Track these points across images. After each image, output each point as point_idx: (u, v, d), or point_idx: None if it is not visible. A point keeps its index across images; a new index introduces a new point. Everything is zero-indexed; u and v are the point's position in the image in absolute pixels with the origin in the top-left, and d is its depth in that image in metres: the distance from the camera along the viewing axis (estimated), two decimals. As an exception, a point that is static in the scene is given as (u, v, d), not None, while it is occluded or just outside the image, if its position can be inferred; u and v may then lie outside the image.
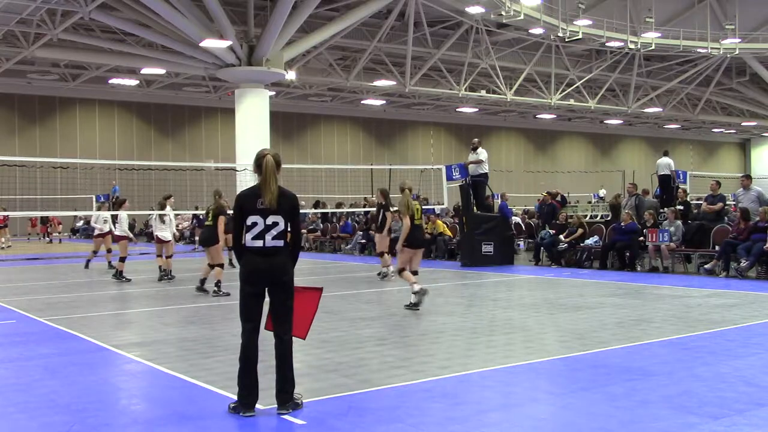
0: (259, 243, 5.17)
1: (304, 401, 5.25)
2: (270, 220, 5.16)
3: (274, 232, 5.16)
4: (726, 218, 16.15)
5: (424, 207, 24.29)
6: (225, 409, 5.20)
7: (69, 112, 38.66)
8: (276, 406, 5.15)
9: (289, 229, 5.24)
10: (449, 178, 19.36)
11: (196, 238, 24.42)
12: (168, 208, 15.22)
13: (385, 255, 14.64)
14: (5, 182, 26.47)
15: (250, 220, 5.19)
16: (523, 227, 23.48)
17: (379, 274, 14.87)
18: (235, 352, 7.12)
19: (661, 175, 19.80)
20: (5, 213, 27.45)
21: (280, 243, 5.19)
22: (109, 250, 17.53)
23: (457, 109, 46.17)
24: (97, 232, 17.70)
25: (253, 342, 5.18)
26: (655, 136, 58.00)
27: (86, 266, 17.55)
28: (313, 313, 5.45)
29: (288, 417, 5.01)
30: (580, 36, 34.39)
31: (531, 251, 19.68)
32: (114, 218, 16.86)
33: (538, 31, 33.49)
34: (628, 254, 15.60)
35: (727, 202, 17.46)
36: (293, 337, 5.31)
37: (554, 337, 7.91)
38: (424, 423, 4.85)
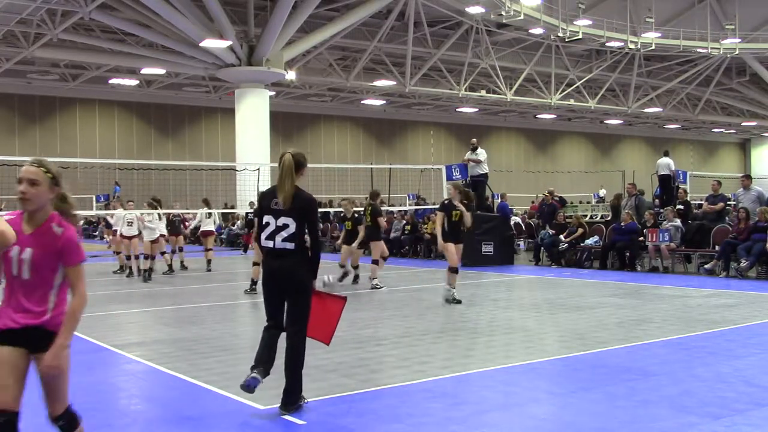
0: (270, 244, 5.13)
1: (305, 402, 5.23)
2: (281, 221, 5.08)
3: (284, 233, 5.07)
4: (726, 218, 16.16)
5: (423, 207, 24.40)
6: (225, 409, 5.20)
7: (69, 112, 38.65)
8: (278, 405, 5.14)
9: (301, 231, 5.11)
10: (449, 178, 19.36)
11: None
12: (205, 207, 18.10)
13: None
14: (5, 182, 26.46)
15: (264, 219, 5.17)
16: (523, 227, 23.47)
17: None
18: (234, 352, 7.16)
19: (661, 175, 19.80)
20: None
21: (290, 246, 5.06)
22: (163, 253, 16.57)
23: (457, 109, 46.16)
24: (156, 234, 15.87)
25: (270, 335, 5.19)
26: (655, 136, 57.99)
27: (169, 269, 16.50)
28: (337, 320, 5.39)
29: (288, 417, 5.01)
30: (580, 36, 34.39)
31: (531, 251, 19.68)
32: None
33: (538, 31, 33.49)
34: (628, 254, 15.60)
35: (728, 202, 17.46)
36: (318, 342, 5.38)
37: (554, 337, 7.91)
38: (424, 423, 4.85)
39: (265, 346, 5.16)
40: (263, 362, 5.11)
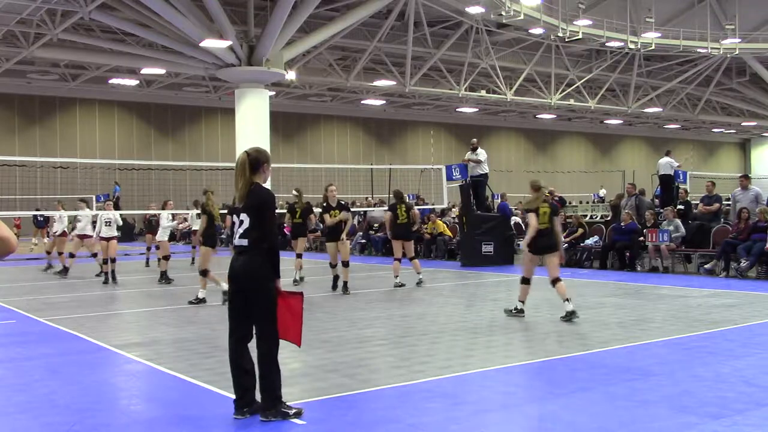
0: (235, 241, 5.18)
1: (295, 405, 5.06)
2: (240, 217, 5.12)
3: (241, 230, 5.09)
4: (722, 219, 16.18)
5: (421, 207, 24.39)
6: (225, 409, 5.18)
7: (69, 112, 38.64)
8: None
9: (255, 228, 5.03)
10: (449, 178, 19.36)
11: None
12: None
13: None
14: (5, 182, 26.46)
15: (234, 219, 5.25)
16: (523, 227, 23.45)
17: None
18: (235, 352, 7.15)
19: (662, 175, 19.78)
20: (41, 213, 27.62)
21: (245, 242, 5.05)
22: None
23: (457, 109, 46.15)
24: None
25: (237, 348, 5.05)
26: (655, 136, 57.98)
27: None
28: (300, 318, 5.17)
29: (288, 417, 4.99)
30: (580, 36, 34.36)
31: (531, 251, 19.64)
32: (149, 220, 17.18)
33: (538, 31, 33.46)
34: (628, 254, 15.60)
35: (724, 203, 17.48)
36: (290, 343, 5.19)
37: (554, 337, 7.91)
38: (424, 423, 4.85)
39: (239, 368, 5.03)
40: (245, 389, 5.03)
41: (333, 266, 12.86)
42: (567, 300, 8.99)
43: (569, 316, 8.85)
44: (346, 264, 12.57)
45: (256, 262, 5.03)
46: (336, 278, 12.69)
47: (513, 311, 9.27)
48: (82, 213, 16.79)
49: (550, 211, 9.28)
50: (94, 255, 17.18)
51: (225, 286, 11.02)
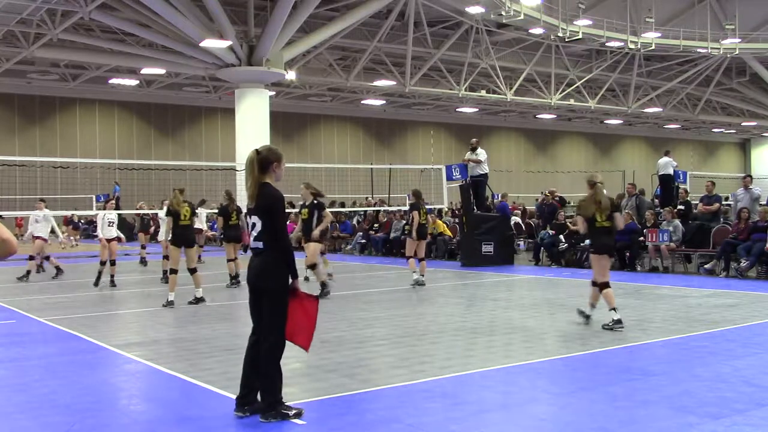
0: (251, 244, 5.16)
1: (295, 405, 5.06)
2: (252, 220, 5.09)
3: (254, 232, 5.08)
4: (722, 219, 16.18)
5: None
6: (225, 409, 5.19)
7: (69, 112, 38.64)
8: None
9: (268, 229, 5.02)
10: (449, 178, 19.35)
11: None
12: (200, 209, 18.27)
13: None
14: (5, 182, 26.46)
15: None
16: (523, 227, 23.45)
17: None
18: (234, 352, 7.14)
19: (662, 175, 19.77)
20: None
21: (260, 244, 5.05)
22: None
23: (457, 109, 46.15)
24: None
25: (256, 348, 5.07)
26: (655, 136, 57.98)
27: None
28: (314, 322, 5.16)
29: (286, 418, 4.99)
30: (580, 36, 34.35)
31: (531, 251, 19.68)
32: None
33: (538, 31, 33.47)
34: (628, 254, 15.60)
35: (723, 203, 17.45)
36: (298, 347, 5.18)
37: (554, 337, 7.91)
38: (424, 423, 4.85)
39: (252, 367, 5.04)
40: (251, 388, 5.03)
41: (312, 267, 11.89)
42: (592, 305, 8.60)
43: (583, 316, 8.59)
44: (312, 266, 11.83)
45: (269, 263, 5.03)
46: (323, 285, 11.69)
47: (614, 323, 8.15)
48: (41, 213, 15.97)
49: (610, 208, 8.52)
50: (31, 257, 15.99)
51: (172, 296, 10.81)
